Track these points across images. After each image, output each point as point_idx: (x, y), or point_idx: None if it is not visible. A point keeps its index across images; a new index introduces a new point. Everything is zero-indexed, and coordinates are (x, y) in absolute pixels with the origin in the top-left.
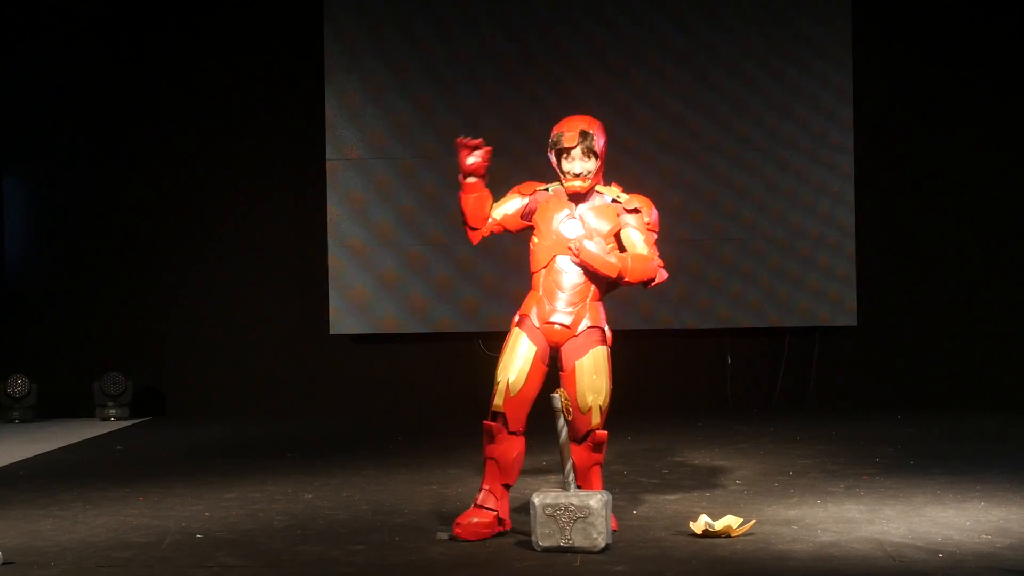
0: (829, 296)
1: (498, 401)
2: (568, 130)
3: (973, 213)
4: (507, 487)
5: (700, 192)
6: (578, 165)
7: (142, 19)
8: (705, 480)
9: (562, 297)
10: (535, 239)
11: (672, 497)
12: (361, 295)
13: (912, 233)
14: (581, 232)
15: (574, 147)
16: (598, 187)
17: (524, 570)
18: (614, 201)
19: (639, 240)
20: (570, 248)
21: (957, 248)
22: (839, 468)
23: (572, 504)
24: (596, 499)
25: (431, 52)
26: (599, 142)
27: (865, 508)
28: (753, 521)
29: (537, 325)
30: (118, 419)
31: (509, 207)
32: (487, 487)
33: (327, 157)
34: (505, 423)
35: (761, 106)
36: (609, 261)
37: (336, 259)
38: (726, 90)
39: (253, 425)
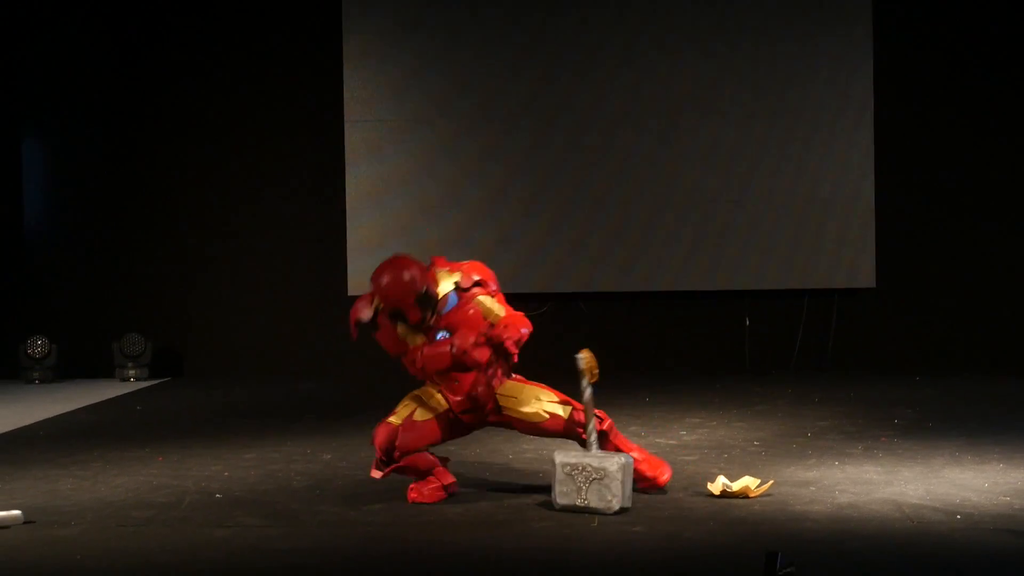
0: (848, 258)
1: (395, 419)
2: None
3: (992, 175)
4: (443, 460)
5: (719, 157)
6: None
7: None
8: (723, 441)
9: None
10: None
11: (690, 458)
12: (379, 256)
13: (931, 195)
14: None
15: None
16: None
17: (542, 530)
18: (456, 290)
19: (498, 307)
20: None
21: (976, 210)
22: (857, 430)
23: (591, 465)
24: (614, 462)
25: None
26: (431, 288)
27: (883, 470)
28: (771, 482)
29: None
30: (137, 380)
31: None
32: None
33: (345, 119)
34: (390, 455)
35: (783, 74)
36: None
37: (355, 221)
38: (752, 59)
39: (272, 386)
